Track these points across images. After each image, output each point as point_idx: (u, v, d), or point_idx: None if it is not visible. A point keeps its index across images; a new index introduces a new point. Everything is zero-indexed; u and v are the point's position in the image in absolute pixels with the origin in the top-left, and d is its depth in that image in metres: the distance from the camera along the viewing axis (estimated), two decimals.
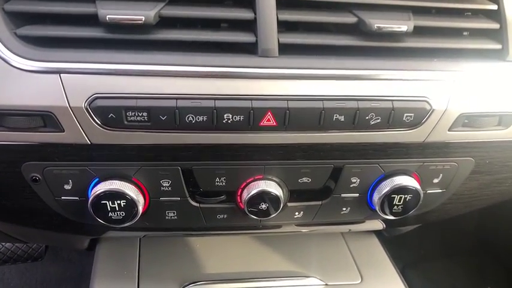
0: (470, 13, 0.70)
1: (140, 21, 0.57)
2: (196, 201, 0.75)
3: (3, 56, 0.57)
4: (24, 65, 0.57)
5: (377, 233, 1.13)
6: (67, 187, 0.69)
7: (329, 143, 0.68)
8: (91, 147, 0.63)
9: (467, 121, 0.68)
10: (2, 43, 0.57)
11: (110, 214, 0.68)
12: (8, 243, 1.54)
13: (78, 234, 0.94)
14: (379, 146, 0.70)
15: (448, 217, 0.92)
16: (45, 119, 0.60)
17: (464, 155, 0.75)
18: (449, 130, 0.68)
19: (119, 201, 0.67)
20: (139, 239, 1.03)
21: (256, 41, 0.61)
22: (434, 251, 1.62)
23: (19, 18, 0.60)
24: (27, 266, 1.69)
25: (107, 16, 0.57)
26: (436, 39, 0.67)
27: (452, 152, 0.73)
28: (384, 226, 0.98)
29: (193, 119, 0.60)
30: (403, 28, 0.62)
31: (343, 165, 0.72)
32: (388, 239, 1.14)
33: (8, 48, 0.58)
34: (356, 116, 0.63)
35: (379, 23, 0.62)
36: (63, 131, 0.61)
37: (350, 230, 1.05)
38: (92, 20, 0.59)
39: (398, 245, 1.22)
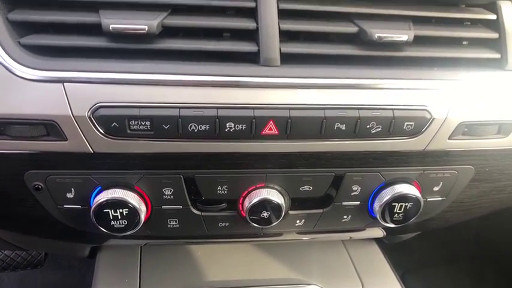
0: (469, 22, 0.70)
1: (143, 31, 0.58)
2: (198, 210, 0.75)
3: (6, 65, 0.58)
4: (27, 74, 0.58)
5: (377, 240, 1.13)
6: (69, 195, 0.69)
7: (330, 152, 0.68)
8: (94, 156, 0.64)
9: (467, 129, 0.69)
10: (5, 52, 0.58)
11: (112, 223, 0.68)
12: (7, 250, 1.53)
13: (79, 242, 0.94)
14: (379, 154, 0.70)
15: (449, 224, 0.92)
16: (48, 127, 0.60)
17: (464, 163, 0.75)
18: (449, 138, 0.69)
19: (121, 210, 0.67)
20: (141, 247, 1.03)
21: (259, 50, 0.61)
22: (435, 257, 1.62)
23: (22, 28, 0.60)
24: (26, 273, 1.68)
25: (110, 26, 0.57)
26: (436, 48, 0.67)
27: (452, 160, 0.74)
28: (385, 234, 0.98)
29: (195, 128, 0.61)
30: (404, 38, 0.63)
31: (344, 174, 0.73)
32: (389, 245, 1.14)
33: (11, 58, 0.58)
34: (357, 124, 0.63)
35: (379, 32, 0.62)
36: (66, 140, 0.61)
37: (351, 237, 1.05)
38: (95, 29, 0.59)
39: (398, 251, 1.22)
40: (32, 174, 0.67)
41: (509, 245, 1.46)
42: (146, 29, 0.58)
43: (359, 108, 0.63)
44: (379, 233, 0.97)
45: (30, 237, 0.92)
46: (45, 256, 1.61)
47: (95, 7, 0.60)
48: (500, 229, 1.46)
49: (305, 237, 0.95)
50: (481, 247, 1.60)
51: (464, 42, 0.71)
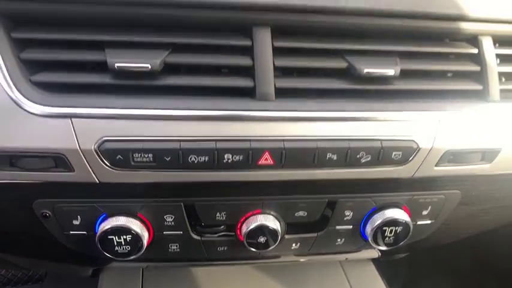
0: (453, 56, 0.74)
1: (147, 69, 0.61)
2: (198, 235, 0.78)
3: (18, 102, 0.60)
4: (38, 110, 0.61)
5: (374, 258, 1.15)
6: (76, 222, 0.72)
7: (323, 179, 0.71)
8: (99, 186, 0.67)
9: (452, 157, 0.72)
10: (17, 90, 0.61)
11: (116, 248, 0.72)
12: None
13: (83, 265, 0.96)
14: (370, 181, 0.73)
15: (439, 245, 0.95)
16: (57, 160, 0.63)
17: (451, 188, 0.79)
18: (435, 166, 0.72)
19: (125, 236, 0.70)
20: (142, 268, 1.05)
21: (255, 85, 0.65)
22: (434, 270, 1.63)
23: (32, 65, 0.63)
24: None
25: (116, 64, 0.61)
26: (422, 81, 0.71)
27: (439, 185, 0.77)
28: (379, 254, 1.01)
29: (195, 160, 0.64)
30: (391, 72, 0.66)
31: (337, 199, 0.76)
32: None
33: (23, 95, 0.61)
34: (347, 154, 0.67)
35: (368, 68, 0.66)
36: (73, 171, 0.64)
37: (347, 258, 1.08)
38: (101, 66, 0.62)
39: (397, 264, 1.24)
40: (41, 203, 0.70)
41: (507, 258, 1.48)
42: (149, 67, 0.61)
43: (349, 139, 0.67)
44: (374, 253, 1.00)
45: (36, 261, 0.94)
46: (46, 272, 1.62)
47: (100, 45, 0.63)
48: (498, 241, 1.48)
49: (302, 259, 0.98)
50: (479, 259, 1.61)
51: (449, 75, 0.74)
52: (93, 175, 0.65)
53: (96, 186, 0.67)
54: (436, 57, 0.73)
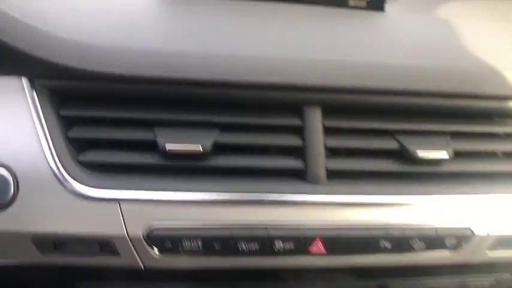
0: (502, 134, 0.73)
1: (199, 152, 0.60)
2: None
3: (65, 183, 0.58)
4: (85, 192, 0.59)
5: None
6: None
7: (374, 266, 0.69)
8: (143, 270, 0.65)
9: (505, 242, 0.70)
10: (65, 170, 0.59)
11: None
12: None
13: None
14: (420, 265, 0.71)
15: None
16: (102, 245, 0.61)
17: (502, 271, 0.76)
18: (488, 250, 0.70)
19: None
20: None
21: (305, 166, 0.64)
22: None
23: (78, 143, 0.62)
24: None
25: (166, 146, 0.60)
26: (473, 162, 0.69)
27: (490, 269, 0.75)
28: None
29: (245, 247, 0.62)
30: (444, 155, 0.65)
31: (386, 284, 0.74)
32: None
33: (70, 176, 0.59)
34: (401, 242, 0.65)
35: (421, 151, 0.65)
36: (119, 256, 0.62)
37: None
38: (148, 146, 0.61)
39: None
40: (82, 285, 0.68)
41: None
42: (202, 150, 0.60)
43: (403, 227, 0.65)
44: None
45: None
46: None
47: (149, 123, 0.62)
48: None
49: None
50: None
51: (500, 155, 0.73)
52: (139, 261, 0.63)
53: (140, 270, 0.64)
54: (485, 136, 0.71)
